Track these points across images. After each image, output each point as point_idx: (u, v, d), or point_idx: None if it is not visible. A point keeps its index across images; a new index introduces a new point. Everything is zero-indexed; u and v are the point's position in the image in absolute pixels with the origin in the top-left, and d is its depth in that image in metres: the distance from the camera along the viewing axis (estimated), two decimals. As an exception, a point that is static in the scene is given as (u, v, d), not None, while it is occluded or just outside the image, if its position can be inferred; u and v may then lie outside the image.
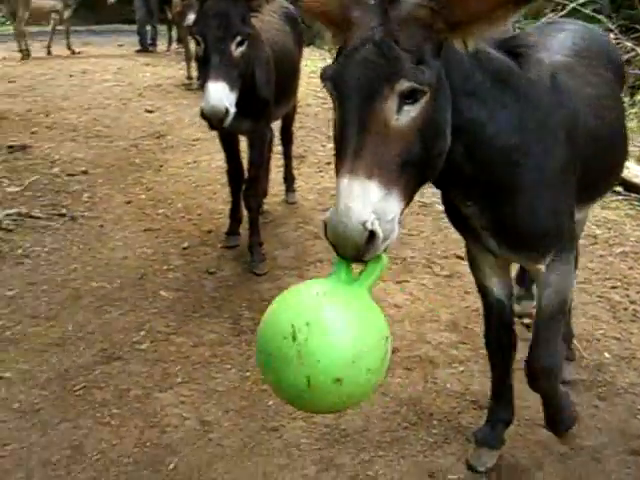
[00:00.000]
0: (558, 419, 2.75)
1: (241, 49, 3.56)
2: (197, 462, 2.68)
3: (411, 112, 1.67)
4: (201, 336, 3.56)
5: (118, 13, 16.20)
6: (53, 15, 12.83)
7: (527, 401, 2.91)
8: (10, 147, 6.36)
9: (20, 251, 4.39)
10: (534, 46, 2.21)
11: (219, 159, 5.16)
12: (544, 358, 2.43)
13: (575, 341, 3.40)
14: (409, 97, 1.65)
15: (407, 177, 1.68)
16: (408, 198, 1.73)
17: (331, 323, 1.60)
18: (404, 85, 1.63)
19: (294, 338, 1.55)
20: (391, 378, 3.18)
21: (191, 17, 3.71)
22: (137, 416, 2.95)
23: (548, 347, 2.43)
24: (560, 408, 2.72)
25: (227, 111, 3.46)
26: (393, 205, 1.64)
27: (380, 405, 3.04)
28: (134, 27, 13.53)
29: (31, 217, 4.69)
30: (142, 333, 3.57)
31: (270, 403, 3.03)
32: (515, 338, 2.63)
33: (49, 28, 12.87)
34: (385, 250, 1.67)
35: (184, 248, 4.54)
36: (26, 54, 11.94)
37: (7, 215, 4.72)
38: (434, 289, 4.07)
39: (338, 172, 1.65)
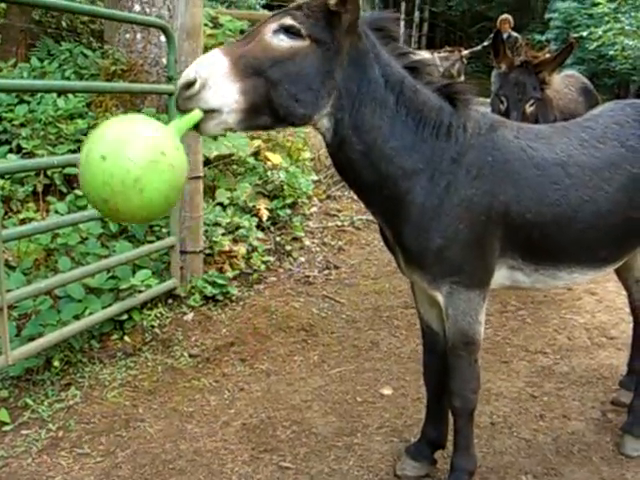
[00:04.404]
0: (458, 453, 2.92)
1: (531, 109, 4.97)
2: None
3: (283, 40, 2.25)
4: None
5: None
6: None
7: None
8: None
9: (363, 241, 6.59)
10: (472, 100, 2.63)
11: None
12: (451, 385, 2.79)
13: None
14: (287, 30, 2.25)
15: (255, 83, 2.20)
16: (251, 106, 2.21)
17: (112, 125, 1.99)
18: (286, 20, 2.26)
19: None
20: None
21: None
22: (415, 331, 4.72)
23: (455, 377, 2.77)
24: (465, 442, 2.90)
25: None
26: (227, 86, 2.16)
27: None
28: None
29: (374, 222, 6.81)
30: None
31: None
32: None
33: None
34: (207, 118, 2.17)
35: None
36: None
37: (359, 219, 7.04)
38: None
39: None
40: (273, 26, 2.27)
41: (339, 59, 2.34)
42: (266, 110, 2.27)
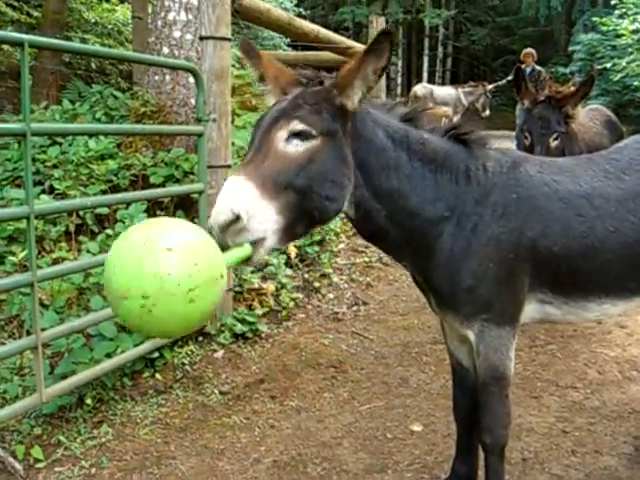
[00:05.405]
0: None
1: (556, 143, 5.04)
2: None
3: (298, 146, 2.21)
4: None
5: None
6: (445, 121, 15.53)
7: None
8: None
9: (391, 277, 6.62)
10: (486, 139, 2.71)
11: None
12: (482, 421, 2.79)
13: None
14: (299, 134, 2.21)
15: (287, 199, 2.15)
16: (289, 221, 2.17)
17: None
18: (295, 125, 2.21)
19: None
20: None
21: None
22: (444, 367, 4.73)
23: (485, 413, 2.77)
24: (496, 479, 2.89)
25: None
26: (265, 211, 2.11)
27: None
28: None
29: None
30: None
31: None
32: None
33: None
34: (255, 249, 2.12)
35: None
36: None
37: (387, 254, 7.09)
38: None
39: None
40: (283, 134, 2.22)
41: (348, 141, 2.36)
42: (303, 218, 2.26)
